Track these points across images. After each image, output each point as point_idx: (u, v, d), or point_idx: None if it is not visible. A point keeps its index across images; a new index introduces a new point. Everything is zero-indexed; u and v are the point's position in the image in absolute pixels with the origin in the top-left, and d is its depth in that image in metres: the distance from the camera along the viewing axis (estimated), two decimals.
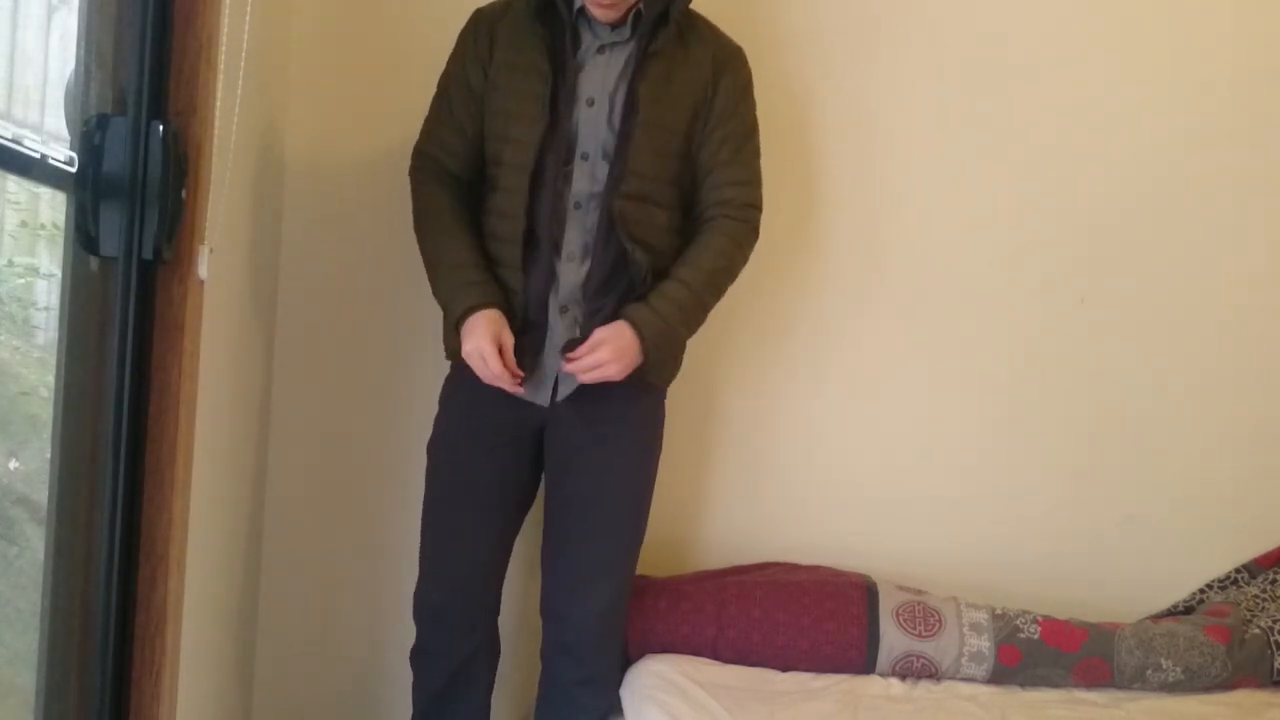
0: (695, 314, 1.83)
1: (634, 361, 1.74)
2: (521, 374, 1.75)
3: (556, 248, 1.76)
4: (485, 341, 1.71)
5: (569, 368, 1.74)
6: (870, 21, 2.22)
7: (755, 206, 1.88)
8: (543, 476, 1.94)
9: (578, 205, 1.76)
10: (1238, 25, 2.28)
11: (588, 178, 1.76)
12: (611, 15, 1.73)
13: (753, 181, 1.88)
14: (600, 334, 1.74)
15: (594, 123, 1.75)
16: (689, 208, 1.87)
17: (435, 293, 1.82)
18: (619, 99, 1.75)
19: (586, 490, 1.85)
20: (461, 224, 1.83)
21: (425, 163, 1.87)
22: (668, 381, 1.92)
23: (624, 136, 1.74)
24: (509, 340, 1.74)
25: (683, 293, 1.77)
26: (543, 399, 1.81)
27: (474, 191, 1.88)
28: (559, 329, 1.78)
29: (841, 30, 2.21)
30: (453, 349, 1.85)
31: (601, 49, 1.77)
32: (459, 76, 1.83)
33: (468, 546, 1.88)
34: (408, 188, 1.88)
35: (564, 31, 1.75)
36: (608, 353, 1.71)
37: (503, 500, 1.89)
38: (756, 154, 1.89)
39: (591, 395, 1.79)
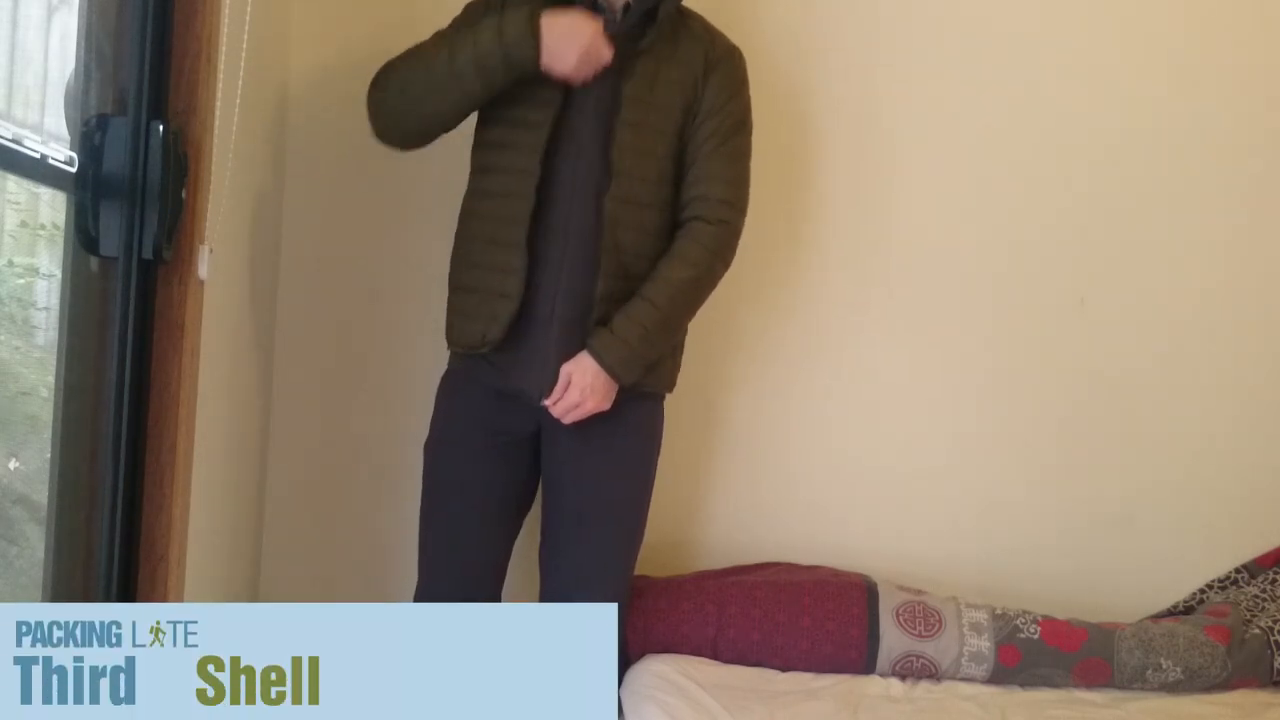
0: (664, 330, 1.79)
1: (608, 387, 1.75)
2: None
3: (554, 234, 1.76)
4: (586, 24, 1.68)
5: (554, 412, 1.75)
6: (869, 22, 2.21)
7: (733, 205, 1.81)
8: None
9: (574, 195, 1.76)
10: (1239, 26, 2.28)
11: (584, 172, 1.76)
12: None
13: (734, 179, 1.82)
14: (565, 370, 1.74)
15: (585, 119, 1.75)
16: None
17: (468, 59, 1.71)
18: (605, 97, 1.75)
19: (583, 494, 1.85)
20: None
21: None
22: (664, 388, 1.90)
23: (609, 136, 1.74)
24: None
25: (648, 312, 1.75)
26: (537, 386, 1.79)
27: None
28: (559, 314, 1.77)
29: (840, 31, 2.21)
30: (457, 339, 1.83)
31: None
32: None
33: (466, 548, 1.88)
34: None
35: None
36: (577, 393, 1.73)
37: (500, 502, 1.88)
38: (743, 154, 1.84)
39: None
